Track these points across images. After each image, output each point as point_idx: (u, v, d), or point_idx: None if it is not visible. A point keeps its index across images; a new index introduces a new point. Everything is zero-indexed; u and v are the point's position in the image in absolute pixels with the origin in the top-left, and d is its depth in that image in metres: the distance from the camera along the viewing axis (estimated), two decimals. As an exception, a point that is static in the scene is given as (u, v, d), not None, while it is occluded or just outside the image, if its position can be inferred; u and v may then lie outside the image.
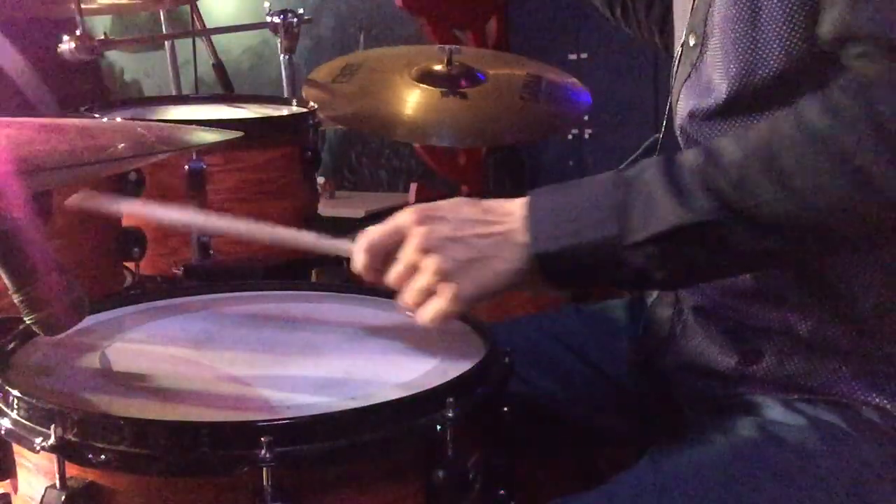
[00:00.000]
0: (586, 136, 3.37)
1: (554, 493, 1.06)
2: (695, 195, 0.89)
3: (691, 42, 1.10)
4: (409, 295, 1.01)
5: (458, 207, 1.00)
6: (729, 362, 1.07)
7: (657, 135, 1.24)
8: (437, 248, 0.97)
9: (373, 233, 1.03)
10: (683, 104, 1.12)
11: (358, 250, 1.04)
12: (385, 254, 1.02)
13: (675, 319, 1.13)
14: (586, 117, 3.21)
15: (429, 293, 0.99)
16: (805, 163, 0.87)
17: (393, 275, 1.02)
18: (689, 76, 1.11)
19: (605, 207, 0.93)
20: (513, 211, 0.98)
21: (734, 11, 1.00)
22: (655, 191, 0.91)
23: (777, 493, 0.95)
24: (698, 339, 1.10)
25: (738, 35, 1.01)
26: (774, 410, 1.02)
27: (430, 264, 0.97)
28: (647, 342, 1.20)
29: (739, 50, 1.01)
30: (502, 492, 1.00)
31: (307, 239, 1.13)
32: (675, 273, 0.94)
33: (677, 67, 1.15)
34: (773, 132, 0.90)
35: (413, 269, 0.99)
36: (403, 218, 1.00)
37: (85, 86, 3.08)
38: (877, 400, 0.99)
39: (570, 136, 3.42)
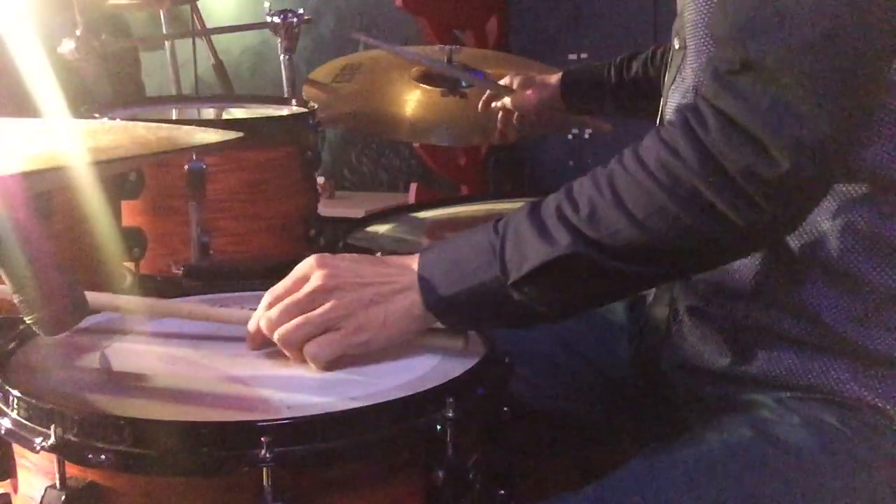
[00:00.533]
0: (586, 136, 3.37)
1: (554, 493, 1.06)
2: (555, 231, 0.95)
3: (676, 45, 1.13)
4: (298, 329, 1.00)
5: (358, 259, 1.05)
6: (723, 361, 1.07)
7: None
8: (336, 289, 1.00)
9: (276, 287, 1.05)
10: (670, 104, 1.14)
11: (262, 307, 1.04)
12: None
13: (671, 319, 1.14)
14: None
15: (318, 330, 0.99)
16: (642, 192, 0.93)
17: (286, 306, 1.01)
18: (674, 79, 1.13)
19: (485, 252, 0.98)
20: (408, 264, 1.02)
21: (697, 17, 1.05)
22: (523, 232, 0.97)
23: (771, 490, 0.95)
24: (693, 338, 1.11)
25: (701, 39, 1.06)
26: (768, 409, 1.02)
27: (327, 303, 0.99)
28: (645, 342, 1.20)
29: (702, 53, 1.06)
30: (502, 492, 1.00)
31: (206, 311, 1.13)
32: (557, 305, 0.99)
33: (667, 69, 1.18)
34: (616, 165, 0.97)
35: (309, 304, 1.00)
36: (304, 265, 1.04)
37: (130, 86, 3.11)
38: (869, 397, 0.99)
39: (570, 136, 3.42)
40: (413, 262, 1.02)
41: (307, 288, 1.01)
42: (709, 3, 1.04)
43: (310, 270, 1.03)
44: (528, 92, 1.79)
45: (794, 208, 0.93)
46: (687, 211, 0.91)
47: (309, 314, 0.99)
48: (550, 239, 0.95)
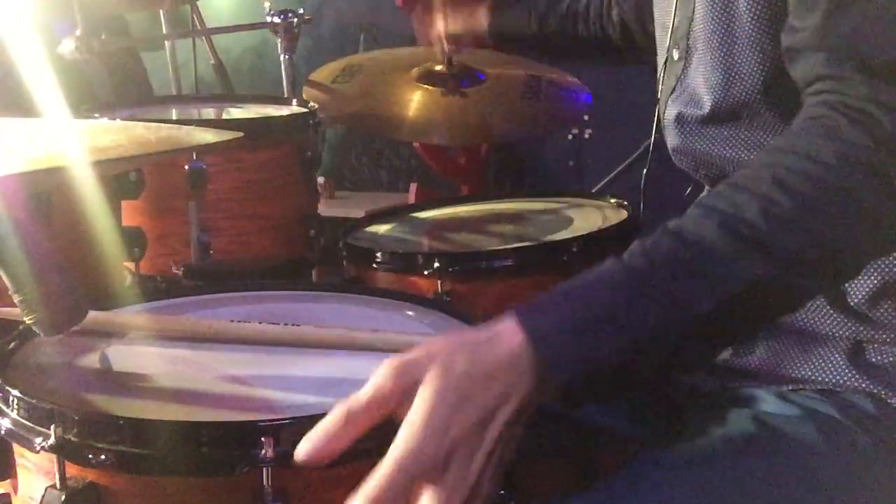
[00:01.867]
0: (586, 136, 3.37)
1: (554, 493, 1.06)
2: (741, 253, 0.82)
3: (675, 56, 1.13)
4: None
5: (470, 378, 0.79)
6: (723, 355, 1.07)
7: (656, 135, 1.26)
8: (459, 446, 0.77)
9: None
10: (670, 114, 1.15)
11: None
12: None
13: None
14: (586, 117, 3.21)
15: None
16: (839, 199, 0.84)
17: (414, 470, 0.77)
18: (673, 89, 1.14)
19: (623, 297, 0.81)
20: (513, 356, 0.80)
21: (711, 27, 1.04)
22: (698, 258, 0.82)
23: (773, 483, 0.95)
24: None
25: (715, 51, 1.05)
26: (769, 402, 1.03)
27: (455, 469, 0.77)
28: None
29: (719, 64, 1.05)
30: (502, 492, 1.00)
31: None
32: (724, 338, 0.88)
33: (663, 80, 1.18)
34: (785, 171, 0.85)
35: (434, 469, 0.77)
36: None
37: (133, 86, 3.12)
38: (870, 388, 1.00)
39: (570, 136, 3.43)
40: (518, 352, 0.80)
41: (430, 448, 0.76)
42: (725, 5, 1.03)
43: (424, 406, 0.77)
44: (459, 19, 1.87)
45: None
46: (881, 206, 0.84)
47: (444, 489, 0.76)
48: (736, 267, 0.81)
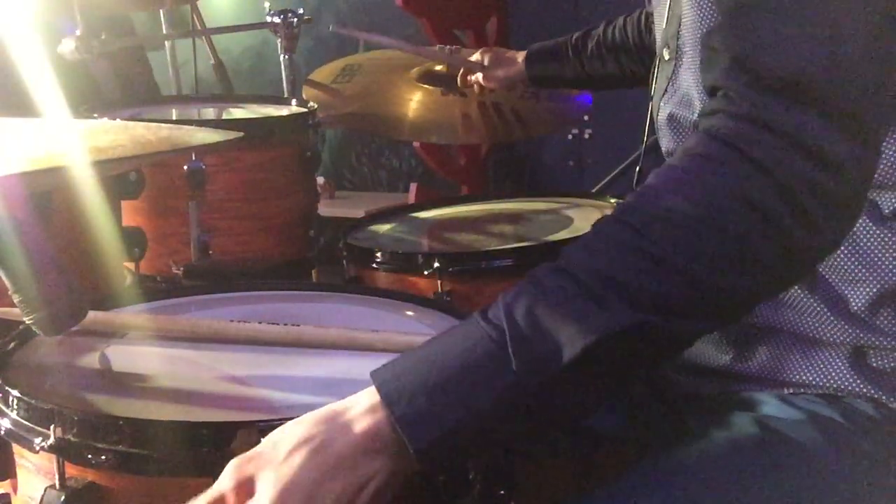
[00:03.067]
0: (586, 136, 3.37)
1: (554, 493, 1.06)
2: (591, 303, 0.77)
3: (665, 56, 1.13)
4: None
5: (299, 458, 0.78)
6: (724, 359, 1.07)
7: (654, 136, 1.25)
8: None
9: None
10: (663, 115, 1.14)
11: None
12: None
13: None
14: (586, 117, 3.21)
15: None
16: (694, 232, 0.79)
17: None
18: (665, 90, 1.13)
19: (488, 356, 0.77)
20: (359, 405, 0.79)
21: (701, 31, 1.04)
22: (545, 319, 0.78)
23: (776, 486, 0.95)
24: None
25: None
26: (771, 406, 1.02)
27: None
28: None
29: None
30: (502, 492, 1.00)
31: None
32: (590, 397, 0.81)
33: (655, 80, 1.17)
34: (638, 215, 0.81)
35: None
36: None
37: (140, 79, 3.12)
38: (872, 393, 1.00)
39: (570, 136, 3.43)
40: (365, 403, 0.79)
41: None
42: (713, 11, 1.03)
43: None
44: (497, 70, 1.93)
45: (849, 222, 0.86)
46: (749, 239, 0.79)
47: None
48: (595, 315, 0.77)
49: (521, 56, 1.92)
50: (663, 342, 0.81)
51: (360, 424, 0.79)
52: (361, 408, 0.79)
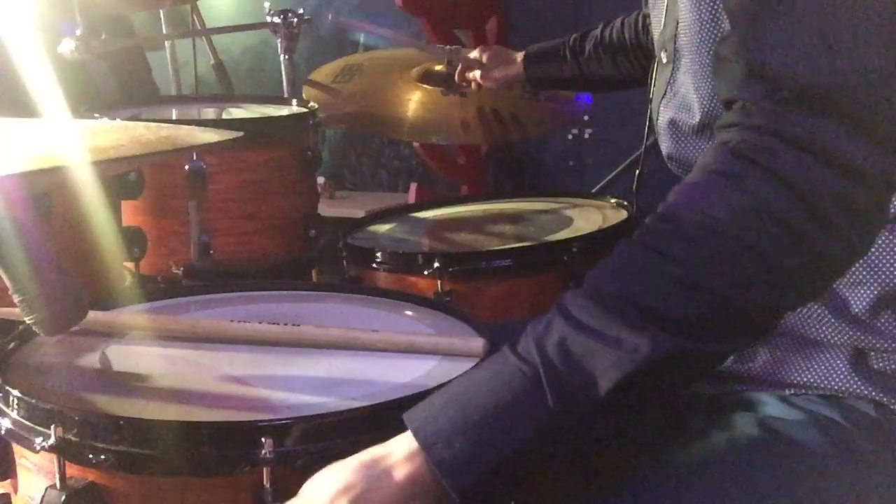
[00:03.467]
0: (586, 136, 3.37)
1: (554, 493, 1.05)
2: (621, 332, 0.77)
3: (663, 59, 1.13)
4: None
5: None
6: (726, 361, 1.07)
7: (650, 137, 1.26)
8: None
9: None
10: (663, 118, 1.14)
11: None
12: None
13: None
14: (586, 117, 3.21)
15: None
16: (723, 254, 0.79)
17: None
18: (664, 93, 1.13)
19: (524, 392, 0.77)
20: (399, 450, 0.80)
21: (699, 37, 1.03)
22: (577, 350, 0.77)
23: (776, 486, 0.95)
24: None
25: (704, 59, 1.03)
26: (771, 406, 1.02)
27: None
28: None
29: (708, 74, 1.03)
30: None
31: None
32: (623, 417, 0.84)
33: (654, 83, 1.17)
34: (661, 235, 0.81)
35: None
36: None
37: (139, 79, 3.12)
38: (873, 395, 1.00)
39: (570, 136, 3.43)
40: (402, 448, 0.79)
41: None
42: (713, 15, 1.02)
43: None
44: (496, 70, 1.93)
45: (876, 232, 0.85)
46: (777, 255, 0.78)
47: None
48: (629, 344, 0.77)
49: (520, 56, 1.92)
50: (698, 364, 0.81)
51: (401, 472, 0.79)
52: (401, 454, 0.79)
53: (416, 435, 0.79)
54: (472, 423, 0.77)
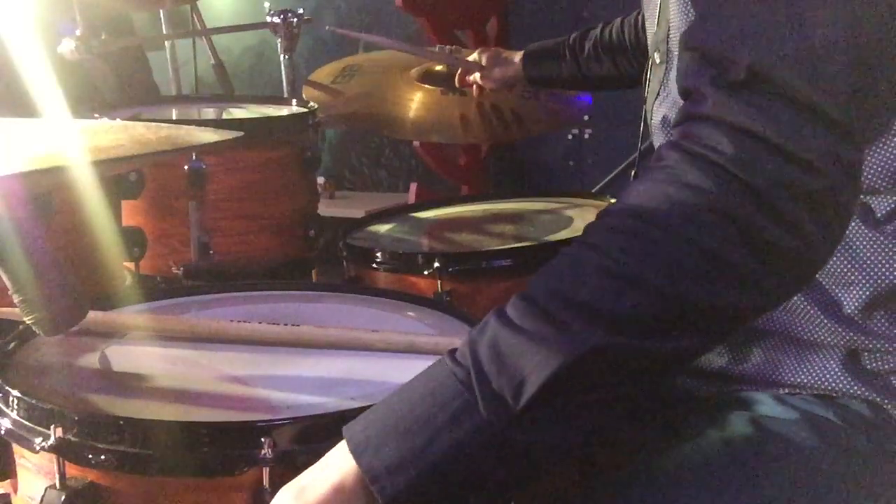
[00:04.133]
0: (586, 135, 3.37)
1: (554, 493, 1.06)
2: (558, 332, 0.73)
3: (657, 59, 1.13)
4: None
5: None
6: (720, 361, 1.07)
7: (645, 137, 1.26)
8: None
9: None
10: (656, 117, 1.14)
11: None
12: None
13: None
14: (586, 117, 3.21)
15: None
16: (659, 248, 0.75)
17: None
18: (658, 94, 1.13)
19: (450, 396, 0.74)
20: (333, 458, 0.78)
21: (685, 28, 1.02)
22: (506, 346, 0.74)
23: (772, 485, 0.95)
24: None
25: None
26: (766, 405, 1.03)
27: None
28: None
29: None
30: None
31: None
32: (577, 428, 0.76)
33: (648, 82, 1.17)
34: (604, 232, 0.78)
35: None
36: None
37: (139, 79, 3.12)
38: (866, 394, 1.00)
39: (570, 136, 3.43)
40: (337, 456, 0.78)
41: None
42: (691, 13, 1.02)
43: None
44: (495, 70, 1.93)
45: (836, 223, 0.80)
46: (721, 249, 0.74)
47: None
48: (557, 341, 0.73)
49: (518, 56, 1.92)
50: (643, 363, 0.75)
51: (331, 478, 0.77)
52: (335, 461, 0.78)
53: (348, 443, 0.77)
54: (403, 429, 0.74)
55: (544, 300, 0.75)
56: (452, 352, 0.77)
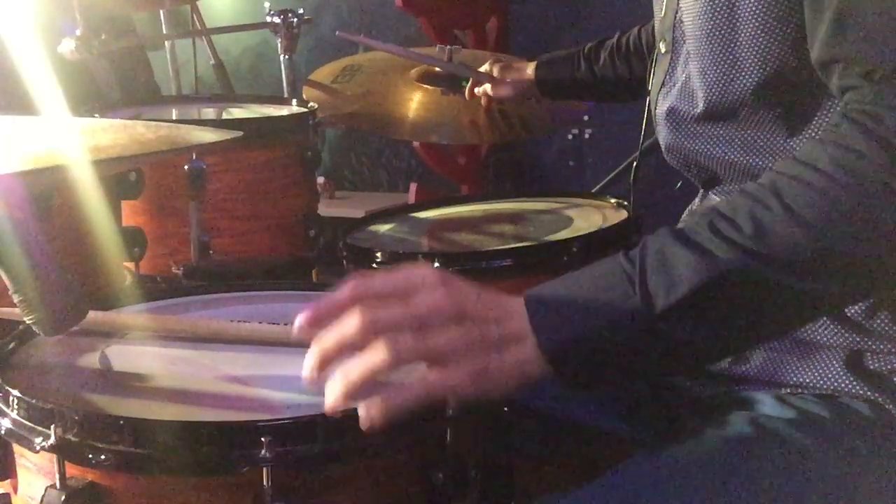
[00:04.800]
0: (586, 135, 3.37)
1: (554, 493, 1.05)
2: (715, 249, 0.83)
3: (662, 49, 1.13)
4: (417, 346, 0.81)
5: (475, 287, 0.87)
6: (721, 363, 1.07)
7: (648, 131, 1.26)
8: (463, 317, 0.83)
9: (374, 280, 0.88)
10: (661, 108, 1.14)
11: (346, 295, 0.86)
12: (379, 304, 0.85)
13: None
14: (586, 117, 3.21)
15: (434, 357, 0.82)
16: (821, 197, 0.85)
17: (400, 312, 0.83)
18: (663, 84, 1.13)
19: (619, 282, 0.85)
20: (515, 308, 0.86)
21: (711, 24, 1.03)
22: (670, 253, 0.84)
23: (769, 484, 0.95)
24: None
25: (715, 47, 1.04)
26: (766, 405, 1.03)
27: (450, 331, 0.82)
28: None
29: (718, 61, 1.04)
30: (502, 492, 1.00)
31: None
32: (713, 340, 0.86)
33: (653, 73, 1.17)
34: (778, 176, 0.88)
35: (428, 320, 0.82)
36: (420, 272, 0.87)
37: (140, 79, 3.12)
38: (868, 395, 1.00)
39: (570, 136, 3.43)
40: (518, 304, 0.86)
41: (428, 300, 0.83)
42: (730, 8, 1.03)
43: (428, 279, 0.85)
44: (507, 82, 1.89)
45: None
46: (877, 209, 0.84)
47: (427, 336, 0.82)
48: (710, 257, 0.83)
49: (530, 66, 1.88)
50: (783, 295, 0.84)
51: (508, 300, 0.86)
52: (512, 312, 0.86)
53: (525, 298, 0.86)
54: (571, 297, 0.86)
55: (713, 219, 0.85)
56: (626, 249, 0.88)
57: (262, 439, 0.82)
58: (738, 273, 0.83)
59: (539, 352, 0.84)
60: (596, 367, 0.86)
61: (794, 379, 1.03)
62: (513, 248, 1.63)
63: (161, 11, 2.92)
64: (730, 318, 0.85)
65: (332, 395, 0.82)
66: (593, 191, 2.68)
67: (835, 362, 1.01)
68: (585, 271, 0.88)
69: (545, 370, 0.85)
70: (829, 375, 1.01)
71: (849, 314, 1.00)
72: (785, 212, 0.84)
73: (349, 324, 0.82)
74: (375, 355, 0.81)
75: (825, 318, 1.01)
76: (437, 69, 2.08)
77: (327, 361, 0.82)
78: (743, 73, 1.02)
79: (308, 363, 0.83)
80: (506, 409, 0.98)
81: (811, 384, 1.02)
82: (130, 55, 3.05)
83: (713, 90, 1.05)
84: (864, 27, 0.89)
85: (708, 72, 1.05)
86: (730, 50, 1.03)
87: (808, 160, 0.87)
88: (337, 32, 2.20)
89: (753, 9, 1.00)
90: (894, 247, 0.85)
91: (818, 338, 1.01)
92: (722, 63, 1.04)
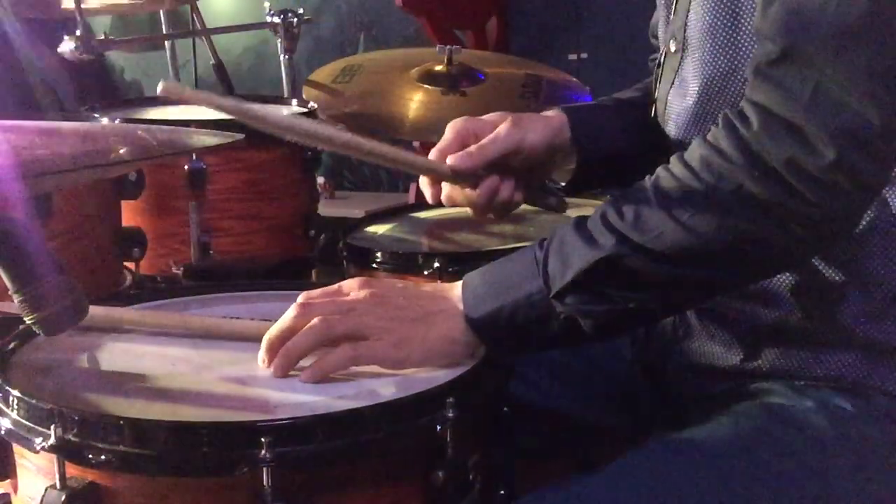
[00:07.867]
0: (586, 135, 3.36)
1: (556, 480, 1.05)
2: (599, 237, 0.94)
3: (672, 48, 1.13)
4: (340, 323, 0.99)
5: (402, 284, 1.07)
6: (734, 359, 1.07)
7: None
8: (380, 303, 1.00)
9: (313, 291, 1.04)
10: (671, 112, 1.14)
11: (293, 307, 1.02)
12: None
13: (676, 321, 1.13)
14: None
15: (358, 333, 0.98)
16: (686, 192, 0.92)
17: (327, 302, 1.01)
18: (672, 82, 1.13)
19: (528, 266, 0.98)
20: (450, 289, 1.03)
21: (712, 19, 1.03)
22: (567, 241, 0.96)
23: (785, 470, 0.95)
24: (702, 339, 1.11)
25: (717, 41, 1.04)
26: (781, 394, 1.02)
27: (370, 313, 0.99)
28: (651, 345, 1.20)
29: (719, 55, 1.04)
30: (502, 492, 1.00)
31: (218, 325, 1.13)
32: (601, 317, 0.96)
33: (661, 74, 1.17)
34: (662, 170, 0.96)
35: (350, 308, 0.99)
36: (349, 281, 1.04)
37: (90, 83, 3.10)
38: (883, 385, 1.00)
39: (570, 136, 3.42)
40: (455, 287, 1.02)
41: (351, 295, 1.01)
42: (733, 6, 1.02)
43: (354, 285, 1.02)
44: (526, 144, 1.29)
45: (844, 202, 0.89)
46: (732, 208, 0.89)
47: (353, 314, 0.98)
48: (594, 244, 0.94)
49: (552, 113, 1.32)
50: (658, 277, 0.93)
51: (438, 303, 1.02)
52: (447, 293, 1.02)
53: (463, 281, 1.02)
54: (494, 279, 1.00)
55: (606, 211, 0.96)
56: (542, 239, 1.00)
57: (262, 440, 0.82)
58: (616, 258, 0.92)
59: (465, 324, 0.98)
60: (515, 338, 0.99)
61: (809, 372, 1.02)
62: (513, 249, 1.63)
63: (161, 11, 2.91)
64: (620, 296, 0.94)
65: (275, 365, 0.97)
66: (593, 191, 2.68)
67: (850, 355, 1.01)
68: (514, 256, 1.02)
69: (472, 340, 0.99)
70: (845, 367, 1.01)
71: (866, 311, 0.99)
72: (659, 204, 0.92)
73: (289, 315, 1.00)
74: (310, 328, 0.97)
75: (841, 316, 1.00)
76: (437, 66, 2.06)
77: (274, 350, 0.98)
78: (745, 67, 1.01)
79: (260, 355, 1.00)
80: (506, 409, 0.98)
81: (826, 376, 1.01)
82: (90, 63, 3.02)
83: (705, 87, 1.05)
84: (782, 6, 0.89)
85: (705, 68, 1.05)
86: (733, 44, 1.02)
87: (687, 156, 0.94)
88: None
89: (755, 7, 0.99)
90: (759, 240, 0.90)
91: (832, 338, 1.01)
92: (724, 57, 1.03)
